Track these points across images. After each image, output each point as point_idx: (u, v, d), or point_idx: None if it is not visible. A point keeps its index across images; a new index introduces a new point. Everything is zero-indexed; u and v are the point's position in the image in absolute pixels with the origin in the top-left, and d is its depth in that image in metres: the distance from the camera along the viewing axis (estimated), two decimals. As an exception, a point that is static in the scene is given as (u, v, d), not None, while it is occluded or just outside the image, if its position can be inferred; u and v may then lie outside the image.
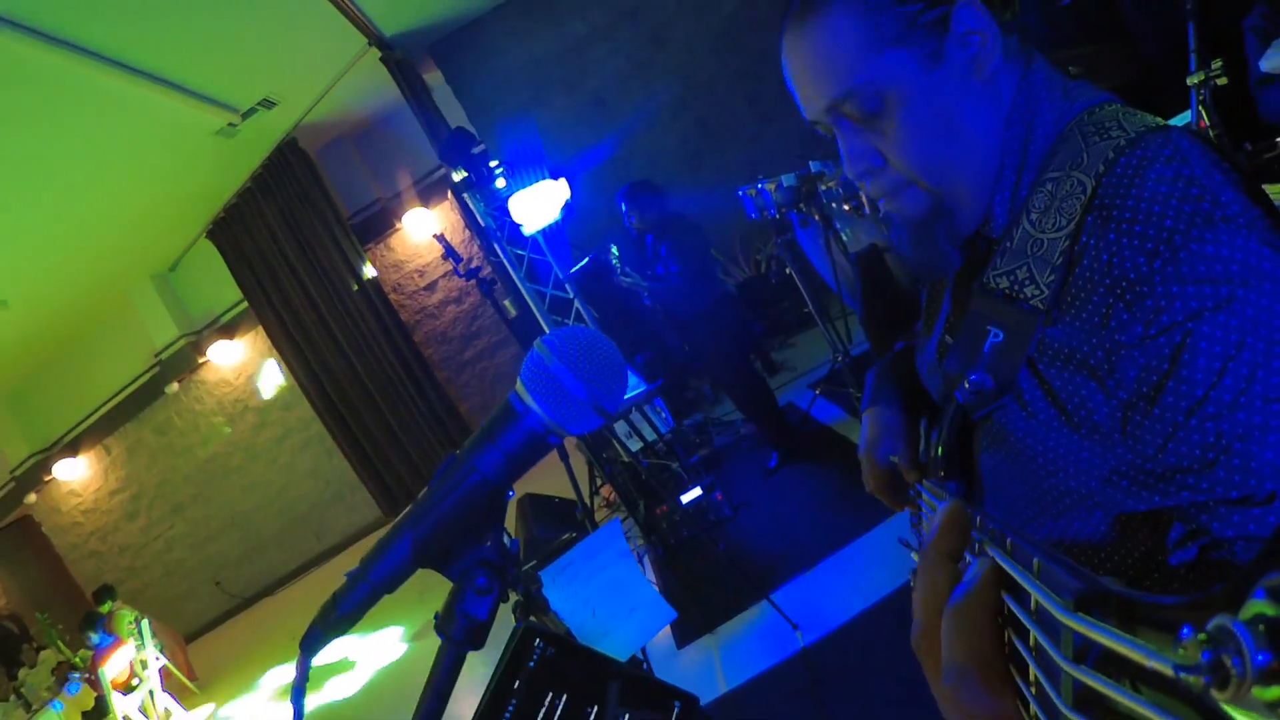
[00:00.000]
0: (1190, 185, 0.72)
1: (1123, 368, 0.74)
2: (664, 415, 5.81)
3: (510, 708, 0.81)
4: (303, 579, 10.32)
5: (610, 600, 1.73)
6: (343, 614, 0.74)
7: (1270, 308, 0.67)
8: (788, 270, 4.74)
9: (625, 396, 0.78)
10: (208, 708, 7.29)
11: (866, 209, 4.25)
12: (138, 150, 6.39)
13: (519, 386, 0.74)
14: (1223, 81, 2.67)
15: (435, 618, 0.76)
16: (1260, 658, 0.21)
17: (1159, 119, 0.81)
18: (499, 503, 0.76)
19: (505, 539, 0.78)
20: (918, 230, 0.92)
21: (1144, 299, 0.71)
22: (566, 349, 0.73)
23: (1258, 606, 0.22)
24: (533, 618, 1.55)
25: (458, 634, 0.75)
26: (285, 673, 6.93)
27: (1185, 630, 0.24)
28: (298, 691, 0.78)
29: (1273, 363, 0.67)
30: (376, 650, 6.02)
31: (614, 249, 4.99)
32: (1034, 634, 0.36)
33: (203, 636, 10.57)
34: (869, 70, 0.83)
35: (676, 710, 0.89)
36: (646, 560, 4.54)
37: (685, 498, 4.81)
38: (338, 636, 0.76)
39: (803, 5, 0.86)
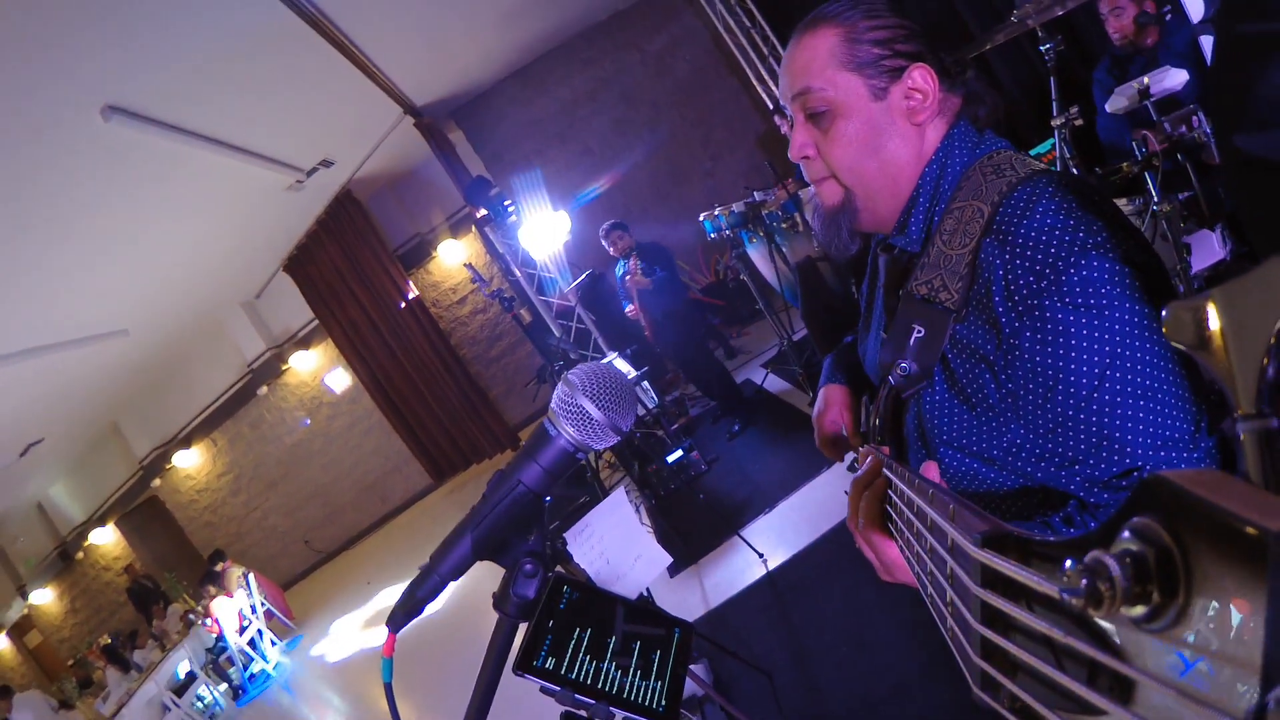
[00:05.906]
0: (1069, 218, 0.72)
1: (1014, 365, 0.75)
2: (650, 393, 5.79)
3: (547, 642, 0.80)
4: (374, 534, 10.25)
5: (619, 551, 1.73)
6: (420, 598, 0.74)
7: (1132, 320, 0.70)
8: (741, 276, 4.74)
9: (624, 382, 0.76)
10: (303, 640, 7.26)
11: (800, 227, 4.25)
12: (227, 205, 6.27)
13: (551, 414, 0.73)
14: (1079, 123, 2.69)
15: (493, 597, 0.75)
16: (1126, 584, 0.21)
17: (1043, 164, 0.82)
18: (540, 506, 0.75)
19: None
20: (828, 216, 0.92)
21: (1033, 310, 0.72)
22: (588, 383, 0.72)
23: (1125, 544, 0.22)
24: (560, 568, 1.55)
25: (512, 610, 0.74)
26: (362, 612, 6.92)
27: (1068, 562, 0.24)
28: (387, 668, 0.76)
29: (1139, 366, 0.70)
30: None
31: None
32: (950, 564, 0.37)
33: (297, 584, 10.50)
34: (828, 80, 0.84)
35: (677, 635, 0.90)
36: (642, 509, 4.49)
37: (670, 458, 4.80)
38: (416, 616, 0.75)
39: (811, 18, 0.87)
